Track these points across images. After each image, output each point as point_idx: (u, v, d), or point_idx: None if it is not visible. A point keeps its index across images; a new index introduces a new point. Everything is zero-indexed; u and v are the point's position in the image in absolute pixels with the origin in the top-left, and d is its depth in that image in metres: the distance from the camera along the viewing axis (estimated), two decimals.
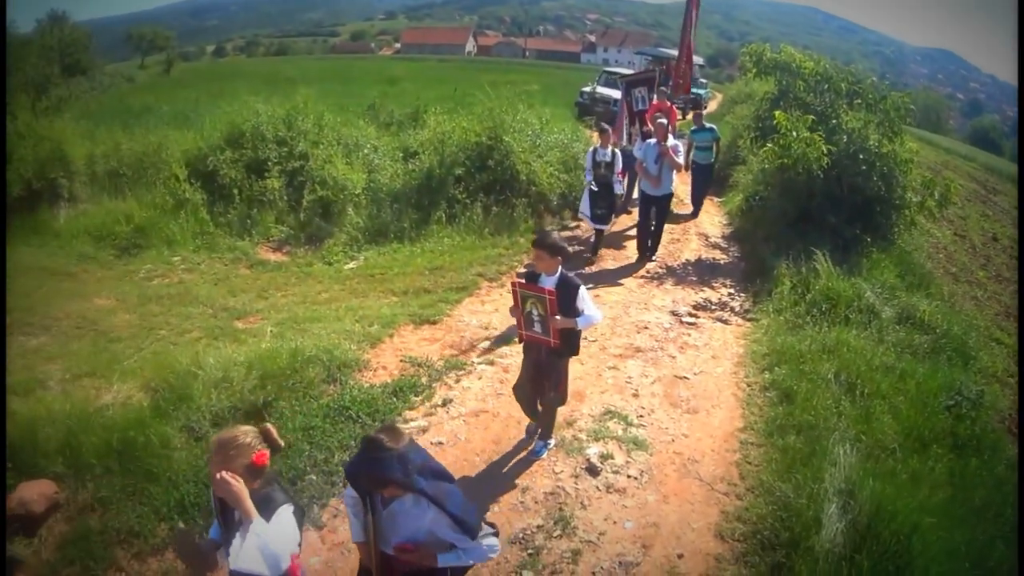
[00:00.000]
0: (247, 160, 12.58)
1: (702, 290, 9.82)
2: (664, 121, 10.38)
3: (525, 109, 13.68)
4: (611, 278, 9.94)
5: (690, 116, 18.68)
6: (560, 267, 5.05)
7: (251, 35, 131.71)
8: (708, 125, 13.53)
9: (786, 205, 10.80)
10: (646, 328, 8.34)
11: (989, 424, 6.82)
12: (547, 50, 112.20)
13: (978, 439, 6.38)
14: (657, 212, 10.59)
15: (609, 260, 10.76)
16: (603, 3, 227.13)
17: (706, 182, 13.62)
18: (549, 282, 5.00)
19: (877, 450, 5.90)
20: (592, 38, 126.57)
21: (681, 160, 10.62)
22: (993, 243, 17.64)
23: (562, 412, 6.00)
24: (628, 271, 10.30)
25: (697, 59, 33.62)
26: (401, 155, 13.56)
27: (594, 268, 10.31)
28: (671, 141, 10.17)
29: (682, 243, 11.93)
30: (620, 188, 10.63)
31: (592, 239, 10.93)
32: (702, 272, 10.58)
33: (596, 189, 10.18)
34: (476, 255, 10.34)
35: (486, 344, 7.66)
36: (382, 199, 12.27)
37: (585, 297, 5.06)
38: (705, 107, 35.03)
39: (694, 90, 34.21)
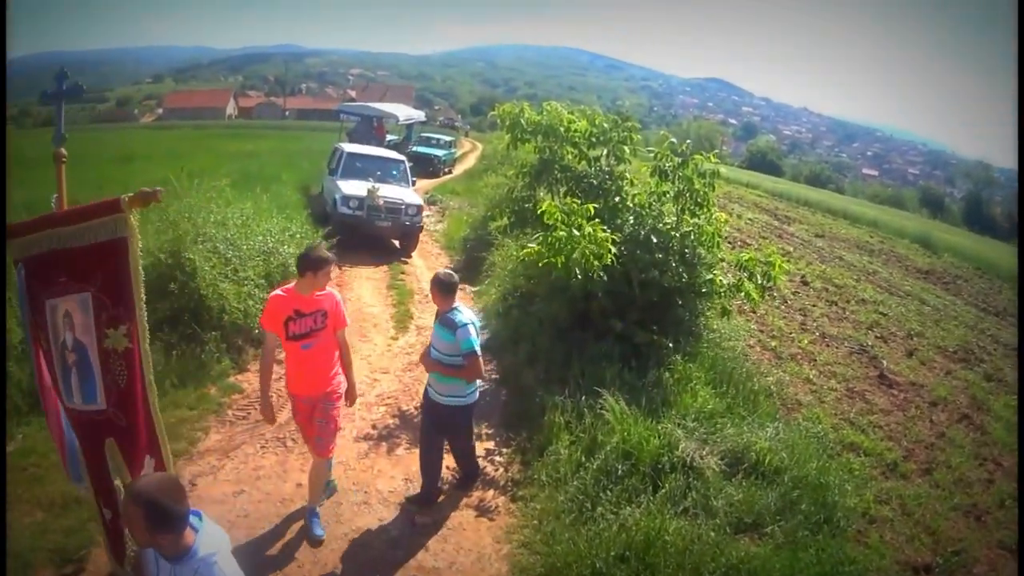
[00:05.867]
0: None
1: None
2: None
3: (222, 207, 11.06)
4: None
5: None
6: None
7: (23, 103, 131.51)
8: (459, 315, 6.10)
9: (556, 309, 8.76)
10: (363, 545, 5.91)
11: None
12: (308, 109, 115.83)
13: None
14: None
15: None
16: (367, 57, 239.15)
17: (462, 442, 6.80)
18: None
19: None
20: (352, 93, 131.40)
21: None
22: (804, 289, 16.84)
23: None
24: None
25: (412, 113, 30.54)
26: None
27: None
28: None
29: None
30: None
31: None
32: None
33: None
34: None
35: None
36: None
37: None
38: (448, 171, 33.20)
39: (423, 149, 31.87)
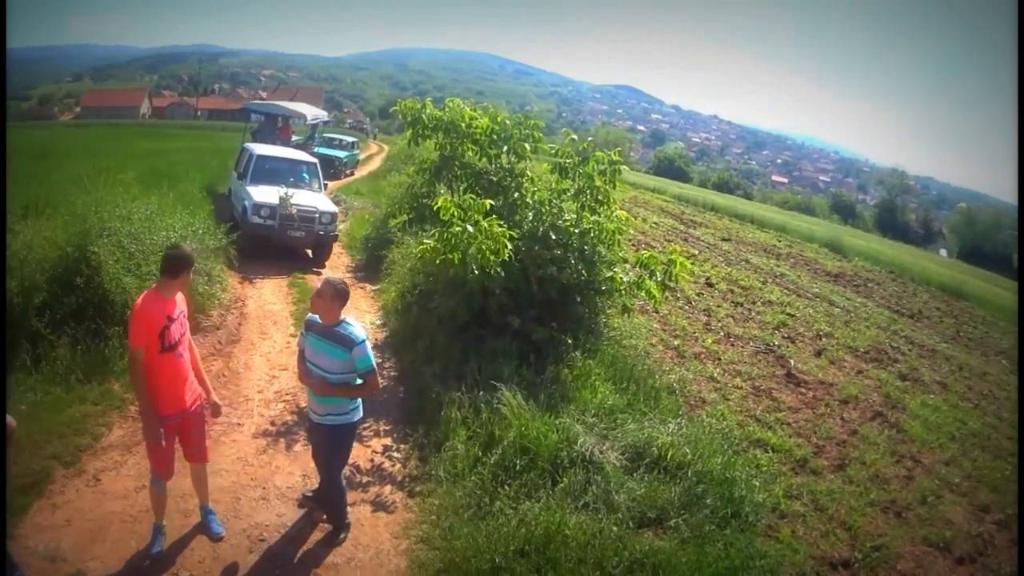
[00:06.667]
0: None
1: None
2: None
3: (127, 202, 10.94)
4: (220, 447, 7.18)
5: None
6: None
7: None
8: (352, 329, 5.44)
9: (453, 306, 8.69)
10: (262, 540, 5.87)
11: None
12: (219, 109, 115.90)
13: None
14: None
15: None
16: (280, 58, 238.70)
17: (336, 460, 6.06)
18: None
19: None
20: (264, 95, 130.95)
21: None
22: (709, 290, 17.01)
23: None
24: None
25: (318, 113, 29.64)
26: None
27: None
28: None
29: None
30: None
31: None
32: None
33: None
34: (57, 419, 7.48)
35: None
36: None
37: None
38: (350, 173, 32.96)
39: (325, 150, 30.97)
